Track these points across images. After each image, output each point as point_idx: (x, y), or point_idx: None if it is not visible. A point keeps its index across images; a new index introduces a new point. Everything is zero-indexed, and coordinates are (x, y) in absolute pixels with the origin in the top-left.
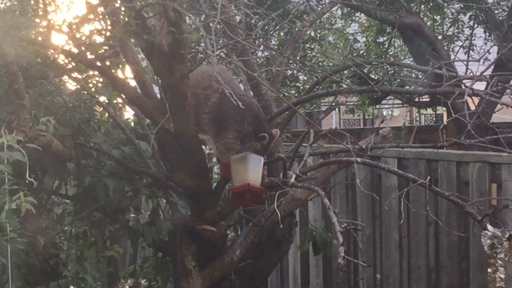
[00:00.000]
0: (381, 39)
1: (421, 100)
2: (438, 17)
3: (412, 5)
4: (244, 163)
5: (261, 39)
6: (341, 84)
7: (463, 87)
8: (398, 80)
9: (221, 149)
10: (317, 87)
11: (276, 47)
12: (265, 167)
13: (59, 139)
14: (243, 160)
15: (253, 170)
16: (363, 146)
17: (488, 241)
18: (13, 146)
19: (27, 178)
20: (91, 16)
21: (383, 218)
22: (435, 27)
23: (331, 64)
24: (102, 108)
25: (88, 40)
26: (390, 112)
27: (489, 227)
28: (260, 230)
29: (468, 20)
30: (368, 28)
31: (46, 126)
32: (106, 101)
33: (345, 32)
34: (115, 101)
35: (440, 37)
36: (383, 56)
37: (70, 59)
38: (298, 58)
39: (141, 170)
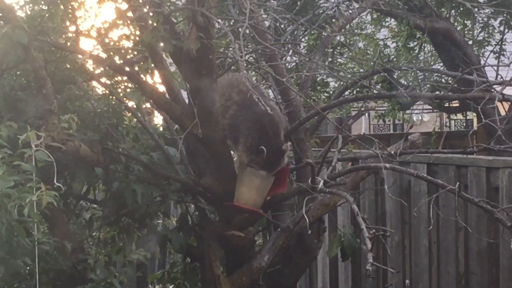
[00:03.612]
0: (411, 44)
1: (451, 105)
2: (469, 22)
3: (442, 10)
4: (241, 179)
5: (290, 44)
6: (370, 89)
7: (494, 92)
8: (428, 85)
9: (238, 163)
10: (347, 92)
11: (305, 52)
12: (293, 173)
13: (88, 144)
14: (241, 176)
15: (248, 189)
16: (392, 152)
17: None
18: (38, 145)
19: (55, 183)
20: (120, 21)
21: (412, 224)
22: (466, 32)
23: (361, 70)
24: (130, 113)
25: (116, 45)
26: (420, 118)
27: None
28: (288, 235)
29: (498, 25)
30: (398, 33)
31: (68, 124)
32: (135, 106)
33: (375, 37)
34: (143, 106)
35: (470, 42)
36: (413, 61)
37: (98, 64)
38: (327, 63)
39: (170, 176)
